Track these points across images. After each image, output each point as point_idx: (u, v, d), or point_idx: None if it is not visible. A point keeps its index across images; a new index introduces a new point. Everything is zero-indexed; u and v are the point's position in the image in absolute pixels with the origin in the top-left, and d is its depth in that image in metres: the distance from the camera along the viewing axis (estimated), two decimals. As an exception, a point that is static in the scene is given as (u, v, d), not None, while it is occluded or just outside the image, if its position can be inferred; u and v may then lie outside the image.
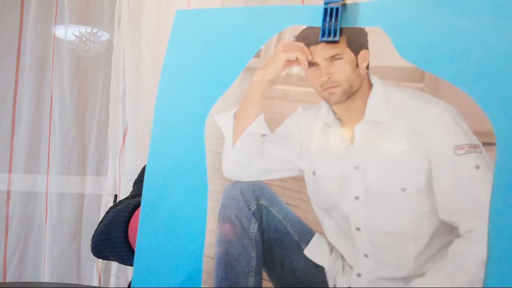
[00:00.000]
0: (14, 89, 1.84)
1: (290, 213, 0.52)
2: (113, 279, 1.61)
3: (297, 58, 0.54)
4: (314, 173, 0.51)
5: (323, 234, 0.51)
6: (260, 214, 0.53)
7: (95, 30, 1.80)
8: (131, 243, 0.73)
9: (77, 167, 1.79)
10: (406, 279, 0.47)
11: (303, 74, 0.54)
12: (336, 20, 0.53)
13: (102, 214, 1.57)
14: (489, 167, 0.45)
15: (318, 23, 0.54)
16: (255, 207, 0.53)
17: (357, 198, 0.49)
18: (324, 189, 0.51)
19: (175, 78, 0.58)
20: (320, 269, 0.50)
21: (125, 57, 1.60)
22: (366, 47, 0.52)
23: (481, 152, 0.46)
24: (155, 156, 0.57)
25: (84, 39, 1.79)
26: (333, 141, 0.52)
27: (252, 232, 0.52)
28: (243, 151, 0.54)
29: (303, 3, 1.48)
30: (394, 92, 0.50)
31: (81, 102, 1.81)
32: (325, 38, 0.53)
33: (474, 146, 0.46)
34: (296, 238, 0.51)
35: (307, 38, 0.54)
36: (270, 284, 0.52)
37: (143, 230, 0.56)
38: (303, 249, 0.51)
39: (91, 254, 0.84)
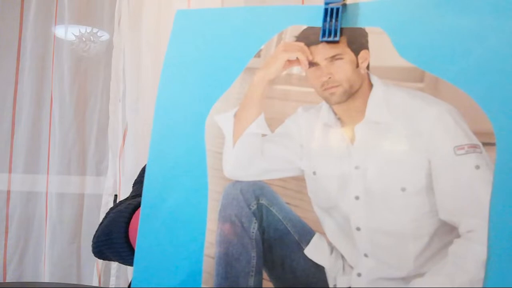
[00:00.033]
0: (14, 89, 1.84)
1: (291, 213, 0.52)
2: (113, 279, 1.61)
3: (297, 58, 0.54)
4: (314, 173, 0.51)
5: (323, 234, 0.51)
6: (260, 214, 0.53)
7: (95, 30, 1.80)
8: (132, 243, 0.73)
9: (77, 167, 1.79)
10: (406, 279, 0.47)
11: (304, 74, 0.54)
12: (336, 20, 0.53)
13: (102, 214, 1.58)
14: (489, 167, 0.45)
15: (319, 23, 0.54)
16: (255, 207, 0.53)
17: (357, 198, 0.49)
18: (324, 189, 0.51)
19: (175, 78, 0.58)
20: (320, 269, 0.50)
21: (125, 57, 1.60)
22: (367, 47, 0.52)
23: (481, 152, 0.46)
24: (155, 156, 0.57)
25: (84, 39, 1.79)
26: (334, 141, 0.52)
27: (253, 232, 0.52)
28: (244, 151, 0.54)
29: (303, 3, 1.48)
30: (394, 92, 0.50)
31: (81, 102, 1.81)
32: (325, 38, 0.53)
33: (474, 146, 0.46)
34: (296, 238, 0.51)
35: (307, 38, 0.54)
36: (270, 284, 0.52)
37: (143, 230, 0.56)
38: (304, 249, 0.51)
39: (91, 254, 0.84)
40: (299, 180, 0.52)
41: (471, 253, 0.45)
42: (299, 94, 0.54)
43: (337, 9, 0.53)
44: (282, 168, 0.53)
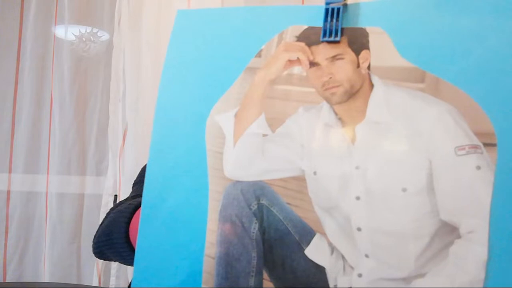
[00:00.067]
0: (14, 89, 1.84)
1: (291, 213, 0.52)
2: (113, 279, 1.61)
3: (298, 58, 0.54)
4: (315, 173, 0.51)
5: (324, 234, 0.51)
6: (261, 214, 0.53)
7: (95, 30, 1.80)
8: (132, 243, 0.73)
9: (77, 167, 1.79)
10: (407, 279, 0.47)
11: (304, 74, 0.54)
12: (337, 20, 0.53)
13: (102, 214, 1.58)
14: (490, 167, 0.45)
15: (319, 23, 0.54)
16: (256, 207, 0.53)
17: (358, 198, 0.49)
18: (325, 189, 0.51)
19: (175, 78, 0.58)
20: (321, 269, 0.50)
21: (125, 57, 1.60)
22: (367, 47, 0.52)
23: (482, 153, 0.46)
24: (156, 156, 0.57)
25: (84, 39, 1.79)
26: (334, 141, 0.52)
27: (253, 232, 0.52)
28: (244, 151, 0.54)
29: (303, 3, 1.48)
30: (394, 92, 0.50)
31: (81, 102, 1.81)
32: (326, 38, 0.53)
33: (475, 147, 0.46)
34: (297, 238, 0.51)
35: (308, 38, 0.54)
36: (271, 284, 0.51)
37: (144, 230, 0.56)
38: (304, 249, 0.51)
39: (91, 254, 0.84)
40: (300, 180, 0.52)
41: (472, 253, 0.44)
42: (300, 94, 0.54)
43: (338, 9, 0.53)
44: (282, 168, 0.53)
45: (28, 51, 1.82)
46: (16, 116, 1.84)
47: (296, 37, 0.55)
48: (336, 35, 0.53)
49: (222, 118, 0.55)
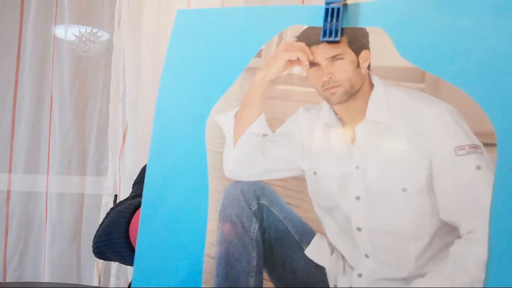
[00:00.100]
0: (14, 89, 1.84)
1: (291, 213, 0.52)
2: (113, 279, 1.61)
3: (298, 58, 0.54)
4: (315, 173, 0.51)
5: (324, 234, 0.51)
6: (261, 214, 0.53)
7: (95, 30, 1.80)
8: (132, 243, 0.73)
9: (77, 167, 1.79)
10: (407, 279, 0.47)
11: (304, 74, 0.54)
12: (337, 20, 0.53)
13: (102, 214, 1.58)
14: (490, 168, 0.45)
15: (319, 23, 0.54)
16: (256, 207, 0.53)
17: (358, 198, 0.49)
18: (325, 189, 0.51)
19: (175, 78, 0.58)
20: (321, 269, 0.50)
21: (125, 57, 1.60)
22: (367, 47, 0.52)
23: (482, 153, 0.46)
24: (156, 156, 0.57)
25: (84, 39, 1.79)
26: (334, 141, 0.52)
27: (253, 232, 0.52)
28: (244, 151, 0.54)
29: (303, 3, 1.48)
30: (394, 92, 0.50)
31: (81, 102, 1.81)
32: (326, 38, 0.53)
33: (475, 147, 0.46)
34: (297, 238, 0.51)
35: (308, 38, 0.54)
36: (271, 284, 0.51)
37: (144, 230, 0.56)
38: (304, 249, 0.51)
39: (91, 254, 0.84)
40: (300, 180, 0.52)
41: (472, 254, 0.44)
42: (300, 94, 0.54)
43: (338, 9, 0.53)
44: (282, 168, 0.53)
45: (28, 51, 1.82)
46: (16, 116, 1.84)
47: (296, 37, 0.55)
48: (336, 35, 0.53)
49: (222, 118, 0.55)
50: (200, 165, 0.55)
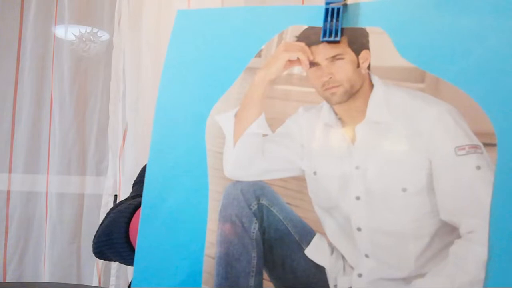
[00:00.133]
0: (14, 89, 1.84)
1: (291, 213, 0.52)
2: (113, 279, 1.61)
3: (298, 58, 0.54)
4: (315, 173, 0.51)
5: (324, 234, 0.51)
6: (261, 214, 0.53)
7: (95, 30, 1.80)
8: (132, 243, 0.73)
9: (77, 167, 1.79)
10: (407, 279, 0.47)
11: (304, 74, 0.54)
12: (337, 20, 0.53)
13: (102, 214, 1.58)
14: (490, 168, 0.45)
15: (319, 23, 0.54)
16: (256, 207, 0.53)
17: (358, 198, 0.49)
18: (325, 189, 0.51)
19: (176, 78, 0.58)
20: (321, 270, 0.50)
21: (125, 57, 1.60)
22: (367, 47, 0.52)
23: (482, 153, 0.46)
24: (156, 156, 0.57)
25: (84, 39, 1.79)
26: (334, 141, 0.52)
27: (253, 232, 0.52)
28: (244, 151, 0.54)
29: (303, 3, 1.48)
30: (394, 92, 0.50)
31: (81, 102, 1.81)
32: (326, 38, 0.53)
33: (475, 147, 0.46)
34: (297, 238, 0.51)
35: (308, 38, 0.54)
36: (271, 284, 0.51)
37: (144, 230, 0.56)
38: (304, 249, 0.51)
39: (91, 254, 0.84)
40: (300, 180, 0.52)
41: (472, 254, 0.44)
42: (300, 94, 0.54)
43: (338, 9, 0.53)
44: (282, 168, 0.53)
45: (28, 51, 1.82)
46: (16, 116, 1.84)
47: (296, 37, 0.55)
48: (336, 35, 0.53)
49: (222, 118, 0.55)
50: (200, 165, 0.55)
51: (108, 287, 1.63)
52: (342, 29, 0.53)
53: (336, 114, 0.52)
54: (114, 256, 0.80)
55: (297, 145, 0.52)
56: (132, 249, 0.73)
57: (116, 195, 1.61)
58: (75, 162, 1.79)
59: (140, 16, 1.60)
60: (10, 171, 1.82)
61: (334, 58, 0.53)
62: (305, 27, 0.55)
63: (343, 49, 0.53)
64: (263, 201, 0.53)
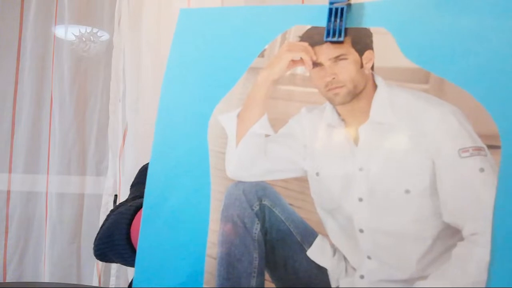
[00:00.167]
0: (14, 89, 1.84)
1: (293, 214, 0.52)
2: (113, 279, 1.61)
3: (301, 58, 0.54)
4: (317, 173, 0.51)
5: (326, 235, 0.50)
6: (263, 214, 0.52)
7: (95, 30, 1.80)
8: (134, 245, 0.73)
9: (77, 167, 1.79)
10: (409, 281, 0.47)
11: (308, 74, 0.54)
12: (341, 20, 0.53)
13: (102, 215, 1.58)
14: (493, 170, 0.45)
15: (322, 23, 0.54)
16: (258, 207, 0.53)
17: (360, 199, 0.49)
18: (327, 190, 0.51)
19: (178, 78, 0.58)
20: (323, 271, 0.50)
21: (125, 57, 1.60)
22: (371, 48, 0.52)
23: (485, 155, 0.45)
24: (158, 156, 0.57)
25: (84, 39, 1.79)
26: (337, 142, 0.51)
27: (255, 233, 0.52)
28: (247, 151, 0.54)
29: (303, 2, 1.48)
30: (398, 93, 0.50)
31: (81, 102, 1.81)
32: (329, 38, 0.53)
33: (479, 149, 0.46)
34: (299, 239, 0.51)
35: (311, 38, 0.54)
36: (273, 285, 0.51)
37: (145, 230, 0.56)
38: (306, 250, 0.51)
39: (91, 254, 0.84)
40: (302, 181, 0.52)
41: (475, 256, 0.44)
42: (303, 94, 0.54)
43: (342, 9, 0.53)
44: (285, 168, 0.52)
45: (28, 51, 1.82)
46: (16, 116, 1.83)
47: (299, 37, 0.55)
48: (339, 35, 0.53)
49: (224, 118, 0.55)
50: (202, 165, 0.55)
51: (108, 287, 1.63)
52: (346, 29, 0.53)
53: (339, 114, 0.52)
54: (116, 258, 0.80)
55: (300, 145, 0.52)
56: (133, 251, 0.73)
57: (116, 195, 1.61)
58: (75, 162, 1.79)
59: (140, 16, 1.60)
60: (10, 171, 1.82)
61: (337, 58, 0.53)
62: (308, 27, 0.55)
63: (347, 49, 0.53)
64: (265, 202, 0.52)
